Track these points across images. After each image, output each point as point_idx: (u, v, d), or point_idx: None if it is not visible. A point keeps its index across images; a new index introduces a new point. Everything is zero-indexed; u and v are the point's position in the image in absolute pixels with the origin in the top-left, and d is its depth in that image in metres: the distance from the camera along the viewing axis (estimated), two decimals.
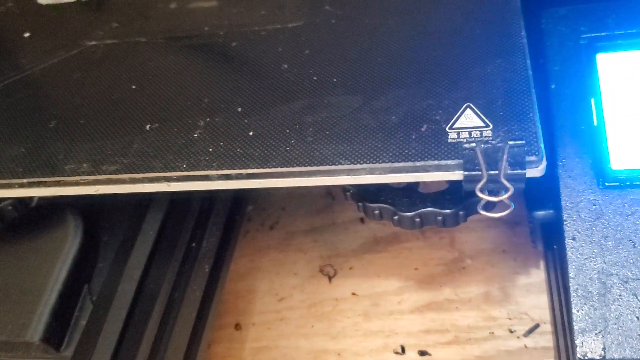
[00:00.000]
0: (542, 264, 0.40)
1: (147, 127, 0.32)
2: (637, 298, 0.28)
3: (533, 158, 0.26)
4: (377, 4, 0.35)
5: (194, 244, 0.37)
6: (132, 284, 0.34)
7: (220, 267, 0.39)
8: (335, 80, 0.32)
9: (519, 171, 0.26)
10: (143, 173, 0.31)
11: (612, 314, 0.28)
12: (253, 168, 0.28)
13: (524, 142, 0.27)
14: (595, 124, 0.32)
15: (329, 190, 0.48)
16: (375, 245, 0.44)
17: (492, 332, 0.39)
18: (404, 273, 0.42)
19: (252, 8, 0.37)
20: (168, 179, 0.30)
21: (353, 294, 0.42)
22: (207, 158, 0.29)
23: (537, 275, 0.40)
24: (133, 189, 0.31)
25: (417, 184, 0.33)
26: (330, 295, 0.42)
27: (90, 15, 0.41)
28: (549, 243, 0.35)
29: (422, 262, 0.43)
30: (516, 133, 0.27)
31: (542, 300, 0.39)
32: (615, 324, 0.28)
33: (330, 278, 0.43)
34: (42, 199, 0.39)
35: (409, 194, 0.32)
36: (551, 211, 0.32)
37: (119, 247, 0.36)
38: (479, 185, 0.26)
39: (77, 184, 0.32)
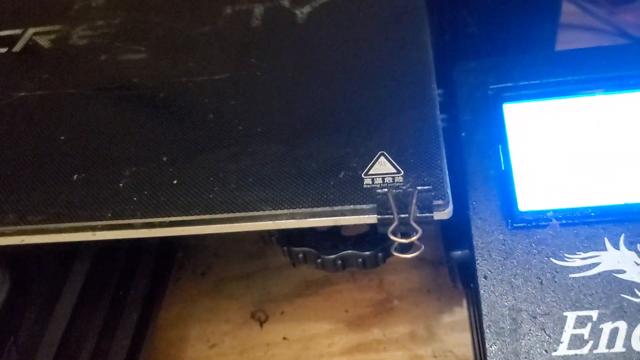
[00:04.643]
0: (464, 302, 0.42)
1: (74, 177, 0.33)
2: (545, 332, 0.30)
3: (440, 202, 0.28)
4: (300, 59, 0.37)
5: (121, 292, 0.37)
6: (57, 335, 0.33)
7: (149, 315, 0.39)
8: (259, 129, 0.33)
9: (427, 214, 0.28)
10: (69, 222, 0.31)
11: (522, 349, 0.30)
12: (176, 216, 0.29)
13: (431, 187, 0.28)
14: (503, 168, 0.34)
15: (262, 235, 0.49)
16: (307, 289, 0.45)
17: None
18: (334, 315, 0.43)
19: (180, 60, 0.39)
20: (93, 228, 0.31)
21: (284, 338, 0.43)
22: (131, 207, 0.30)
23: (460, 314, 0.42)
24: (59, 238, 0.31)
25: (340, 226, 0.34)
26: (262, 340, 0.43)
27: (20, 66, 0.42)
28: (467, 282, 0.37)
29: (352, 304, 0.44)
30: (424, 179, 0.29)
31: (465, 338, 0.40)
32: (526, 358, 0.30)
33: (261, 323, 0.44)
34: None
35: (332, 237, 0.34)
36: (467, 251, 0.34)
37: (45, 297, 0.36)
38: (391, 228, 0.27)
39: (2, 234, 0.31)
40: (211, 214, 0.29)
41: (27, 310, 0.36)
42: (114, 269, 0.37)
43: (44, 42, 0.43)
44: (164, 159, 0.32)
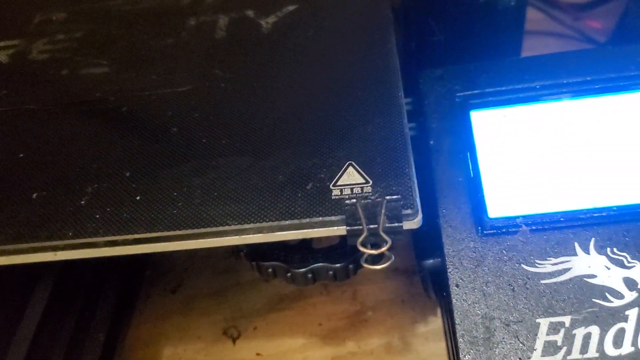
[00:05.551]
0: (438, 311, 0.42)
1: (34, 195, 0.32)
2: (518, 340, 0.30)
3: (409, 211, 0.28)
4: (265, 69, 0.37)
5: (87, 312, 0.36)
6: (19, 359, 0.32)
7: (117, 335, 0.38)
8: (224, 141, 0.33)
9: (396, 224, 0.27)
10: (29, 243, 0.30)
11: (497, 357, 0.30)
12: (139, 233, 0.28)
13: (400, 196, 0.28)
14: (472, 175, 0.34)
15: (233, 250, 0.48)
16: (280, 303, 0.44)
17: None
18: (308, 329, 0.43)
19: (142, 73, 0.38)
20: (54, 248, 0.30)
21: (257, 354, 0.42)
22: (93, 225, 0.29)
23: (435, 323, 0.41)
24: (19, 259, 0.30)
25: (310, 239, 0.34)
26: (235, 357, 0.42)
27: None
28: (439, 291, 0.36)
29: (326, 317, 0.43)
30: (393, 188, 0.28)
31: (440, 347, 0.40)
32: None
33: (234, 340, 0.43)
34: None
35: (302, 250, 0.33)
36: (438, 259, 0.33)
37: (6, 320, 0.34)
38: (360, 239, 0.27)
39: None
40: (175, 230, 0.28)
41: None
42: (79, 289, 0.36)
43: (2, 57, 0.42)
44: (127, 174, 0.32)
